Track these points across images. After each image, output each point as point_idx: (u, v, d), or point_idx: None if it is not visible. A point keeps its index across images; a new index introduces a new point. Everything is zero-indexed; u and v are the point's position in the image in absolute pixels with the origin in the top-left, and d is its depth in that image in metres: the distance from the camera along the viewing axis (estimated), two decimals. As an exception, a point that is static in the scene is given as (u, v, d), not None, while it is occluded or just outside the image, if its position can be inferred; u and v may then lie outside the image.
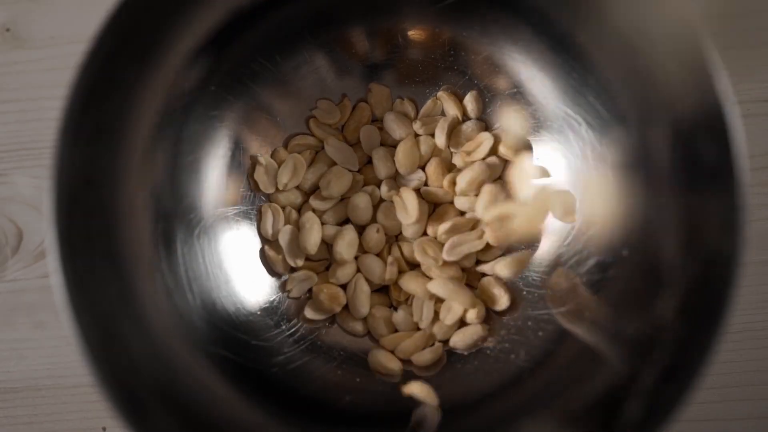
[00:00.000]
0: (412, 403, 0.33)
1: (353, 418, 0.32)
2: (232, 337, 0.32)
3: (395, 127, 0.36)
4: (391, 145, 0.36)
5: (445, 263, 0.34)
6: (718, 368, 0.35)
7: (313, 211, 0.35)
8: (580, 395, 0.29)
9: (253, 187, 0.35)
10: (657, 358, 0.26)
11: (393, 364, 0.34)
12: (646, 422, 0.24)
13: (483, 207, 0.33)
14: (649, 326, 0.28)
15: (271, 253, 0.35)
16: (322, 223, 0.35)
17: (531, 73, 0.33)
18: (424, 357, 0.34)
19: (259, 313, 0.34)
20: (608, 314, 0.31)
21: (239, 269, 0.34)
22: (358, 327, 0.35)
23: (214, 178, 0.34)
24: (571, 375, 0.30)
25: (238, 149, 0.34)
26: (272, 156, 0.35)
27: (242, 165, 0.35)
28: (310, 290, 0.35)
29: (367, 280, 0.35)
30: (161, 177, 0.30)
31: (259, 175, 0.34)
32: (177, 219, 0.31)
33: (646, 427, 0.24)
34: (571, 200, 0.33)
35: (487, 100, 0.36)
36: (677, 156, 0.27)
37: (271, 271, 0.35)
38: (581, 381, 0.30)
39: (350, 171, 0.36)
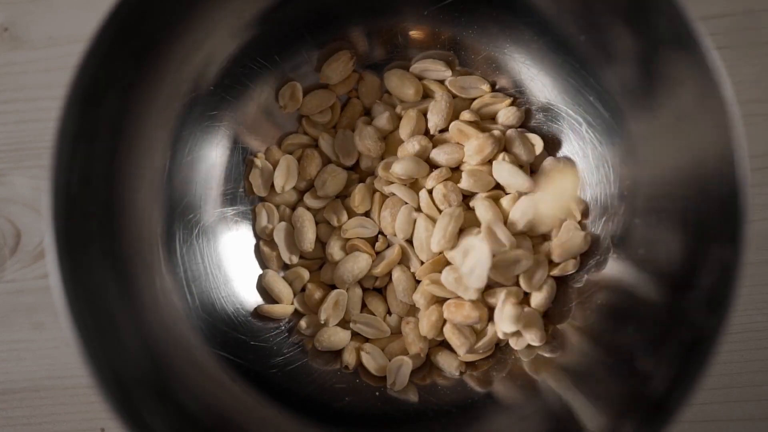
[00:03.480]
0: (411, 403, 0.33)
1: (353, 418, 0.32)
2: (232, 337, 0.32)
3: (383, 118, 0.35)
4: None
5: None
6: (719, 369, 0.34)
7: (308, 209, 0.35)
8: (579, 396, 0.29)
9: (247, 189, 0.35)
10: (658, 358, 0.26)
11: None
12: (648, 423, 0.24)
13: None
14: (649, 327, 0.28)
15: (265, 249, 0.35)
16: (317, 222, 0.35)
17: (531, 73, 0.33)
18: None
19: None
20: (607, 318, 0.31)
21: (238, 270, 0.34)
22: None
23: (212, 178, 0.33)
24: (570, 376, 0.30)
25: (236, 149, 0.34)
26: (265, 154, 0.35)
27: (241, 165, 0.35)
28: (304, 288, 0.35)
29: (359, 282, 0.35)
30: (160, 177, 0.30)
31: (254, 178, 0.34)
32: (176, 219, 0.31)
33: (648, 428, 0.23)
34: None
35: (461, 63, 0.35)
36: (678, 157, 0.27)
37: (265, 267, 0.35)
38: (580, 381, 0.30)
39: (345, 169, 0.35)
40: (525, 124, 0.35)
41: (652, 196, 0.29)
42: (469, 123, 0.34)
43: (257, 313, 0.33)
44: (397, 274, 0.34)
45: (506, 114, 0.34)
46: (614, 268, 0.31)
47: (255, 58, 0.33)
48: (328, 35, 0.34)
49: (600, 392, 0.28)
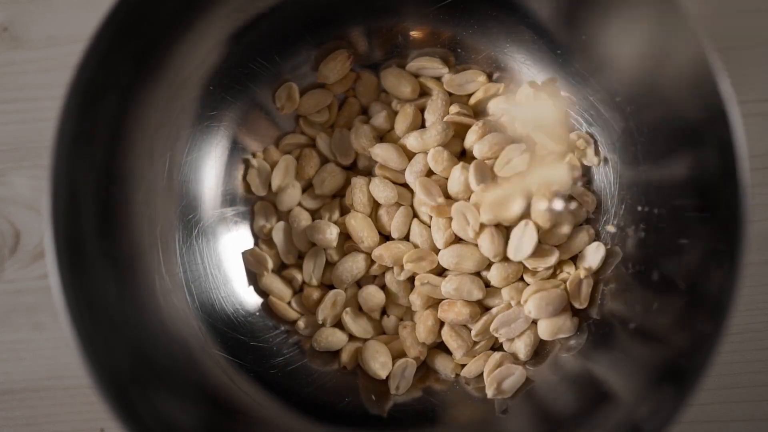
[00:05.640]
0: (411, 404, 0.33)
1: (353, 418, 0.32)
2: (231, 338, 0.32)
3: (380, 117, 0.35)
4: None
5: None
6: (719, 369, 0.34)
7: (305, 209, 0.35)
8: (581, 397, 0.29)
9: (245, 189, 0.35)
10: (659, 359, 0.26)
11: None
12: (649, 424, 0.24)
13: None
14: (651, 329, 0.28)
15: (264, 248, 0.35)
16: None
17: (531, 72, 0.33)
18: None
19: (258, 313, 0.34)
20: (608, 319, 0.31)
21: (238, 270, 0.34)
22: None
23: (212, 178, 0.33)
24: (573, 377, 0.30)
25: (236, 149, 0.34)
26: (263, 154, 0.35)
27: (240, 165, 0.34)
28: (302, 289, 0.35)
29: (357, 283, 0.35)
30: (159, 177, 0.30)
31: (252, 178, 0.34)
32: (176, 220, 0.31)
33: (648, 428, 0.23)
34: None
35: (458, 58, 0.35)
36: (679, 157, 0.27)
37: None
38: (582, 383, 0.30)
39: (343, 169, 0.35)
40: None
41: (652, 198, 0.29)
42: (459, 115, 0.33)
43: (265, 306, 0.34)
44: (389, 276, 0.34)
45: (495, 104, 0.34)
46: (612, 269, 0.31)
47: (255, 58, 0.33)
48: (328, 35, 0.34)
49: (600, 392, 0.28)
